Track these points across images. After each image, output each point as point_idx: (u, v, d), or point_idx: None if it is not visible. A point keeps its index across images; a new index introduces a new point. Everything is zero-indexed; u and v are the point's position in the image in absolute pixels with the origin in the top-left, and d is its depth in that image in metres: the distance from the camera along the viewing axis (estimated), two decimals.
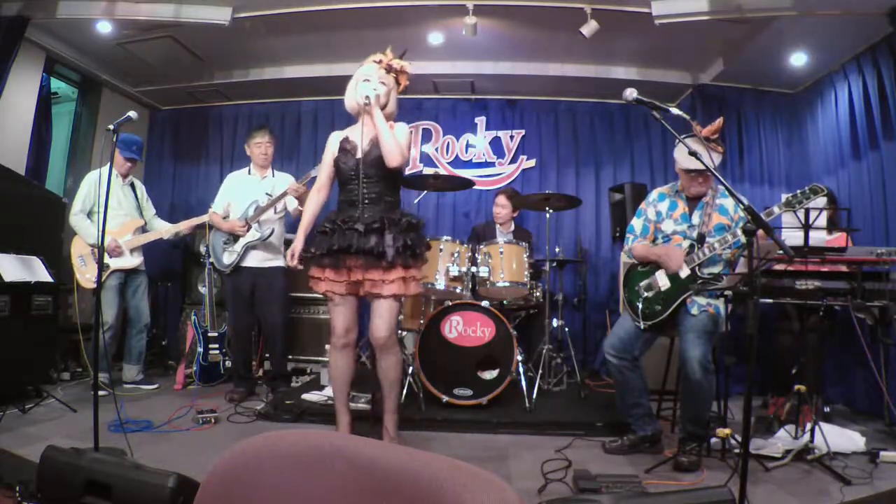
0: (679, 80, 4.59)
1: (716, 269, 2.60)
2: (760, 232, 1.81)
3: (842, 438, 2.63)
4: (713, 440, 2.53)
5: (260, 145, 3.68)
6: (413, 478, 0.64)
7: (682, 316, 2.58)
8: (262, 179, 3.71)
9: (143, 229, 3.87)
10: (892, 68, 3.36)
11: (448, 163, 5.13)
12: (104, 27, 3.86)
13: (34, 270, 3.32)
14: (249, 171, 3.75)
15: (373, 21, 3.83)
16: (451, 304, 3.33)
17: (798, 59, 3.95)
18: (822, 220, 3.00)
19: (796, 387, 2.65)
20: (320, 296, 2.55)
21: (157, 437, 2.73)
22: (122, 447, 2.29)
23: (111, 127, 2.25)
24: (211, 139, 5.39)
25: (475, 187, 4.70)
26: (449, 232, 4.88)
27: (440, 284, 3.33)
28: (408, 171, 4.37)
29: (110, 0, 3.64)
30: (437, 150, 5.14)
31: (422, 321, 3.41)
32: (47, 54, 4.08)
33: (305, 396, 3.37)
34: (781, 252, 1.84)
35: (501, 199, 4.28)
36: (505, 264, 3.41)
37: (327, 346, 4.23)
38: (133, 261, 3.76)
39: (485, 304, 3.34)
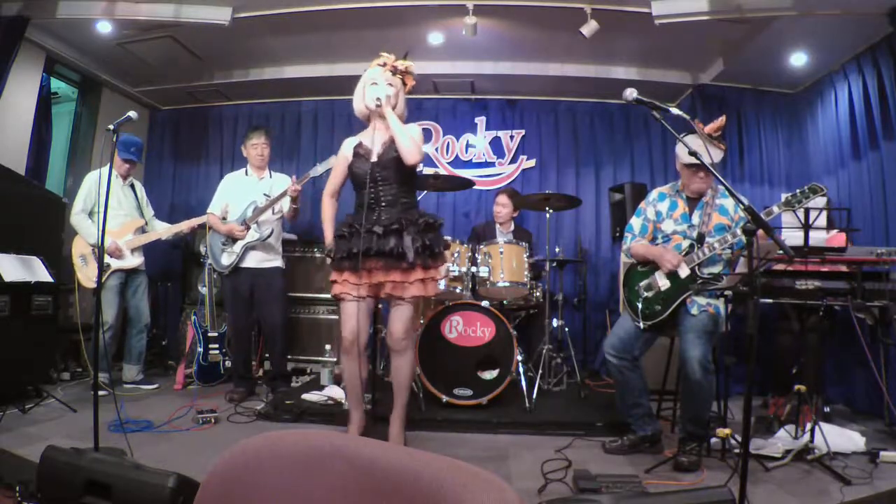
0: (679, 80, 4.59)
1: (715, 269, 2.61)
2: (760, 232, 1.81)
3: (842, 438, 2.63)
4: (713, 440, 2.53)
5: (256, 146, 3.68)
6: (413, 478, 0.64)
7: (682, 316, 2.58)
8: (259, 180, 3.71)
9: (144, 229, 3.87)
10: (892, 68, 3.36)
11: (448, 163, 5.13)
12: (104, 27, 3.86)
13: (34, 270, 3.32)
14: (247, 171, 3.75)
15: (373, 21, 3.83)
16: (451, 304, 3.33)
17: (798, 59, 3.95)
18: (823, 220, 3.00)
19: (796, 387, 2.65)
20: (319, 296, 2.56)
21: (157, 437, 2.73)
22: (122, 447, 2.28)
23: (111, 127, 2.25)
24: (211, 139, 5.39)
25: (475, 187, 4.70)
26: (449, 232, 4.87)
27: (440, 284, 3.33)
28: None
29: (110, 0, 3.64)
30: (437, 150, 5.14)
31: (422, 321, 3.41)
32: (47, 54, 4.08)
33: (305, 396, 3.37)
34: (781, 252, 1.84)
35: (503, 199, 4.28)
36: (505, 264, 3.41)
37: (327, 346, 4.28)
38: (133, 261, 3.76)
39: (485, 304, 3.34)
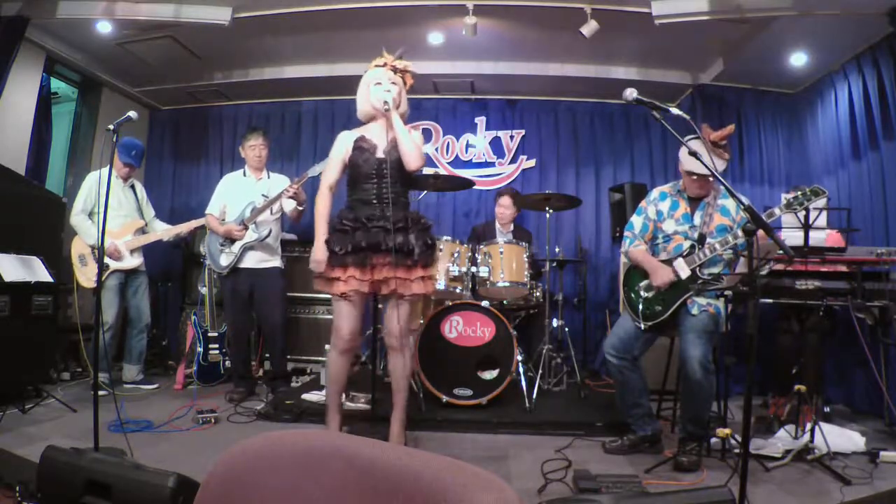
0: (679, 80, 4.59)
1: (716, 270, 2.60)
2: (761, 232, 1.80)
3: (842, 438, 2.63)
4: (713, 440, 2.52)
5: (254, 148, 3.68)
6: (413, 478, 0.64)
7: (683, 316, 2.58)
8: (258, 181, 3.70)
9: (144, 230, 3.87)
10: (892, 68, 3.36)
11: (448, 163, 5.13)
12: (104, 27, 3.86)
13: (34, 270, 3.32)
14: (245, 172, 3.74)
15: (373, 21, 3.83)
16: (451, 304, 3.33)
17: (798, 59, 3.95)
18: (823, 221, 3.00)
19: (796, 387, 2.65)
20: (318, 296, 2.53)
21: (157, 437, 2.73)
22: (122, 447, 2.28)
23: (111, 127, 2.25)
24: (211, 139, 5.39)
25: (475, 187, 4.70)
26: (449, 232, 4.88)
27: (440, 284, 3.33)
28: None
29: (110, 0, 3.64)
30: (437, 150, 5.14)
31: (422, 321, 3.41)
32: (47, 54, 4.08)
33: (305, 396, 3.37)
34: (781, 252, 1.84)
35: (506, 201, 4.26)
36: (505, 264, 3.41)
37: (327, 347, 4.26)
38: (133, 261, 3.76)
39: (485, 304, 3.34)
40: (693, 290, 2.55)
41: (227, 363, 3.92)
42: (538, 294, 3.85)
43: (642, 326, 2.63)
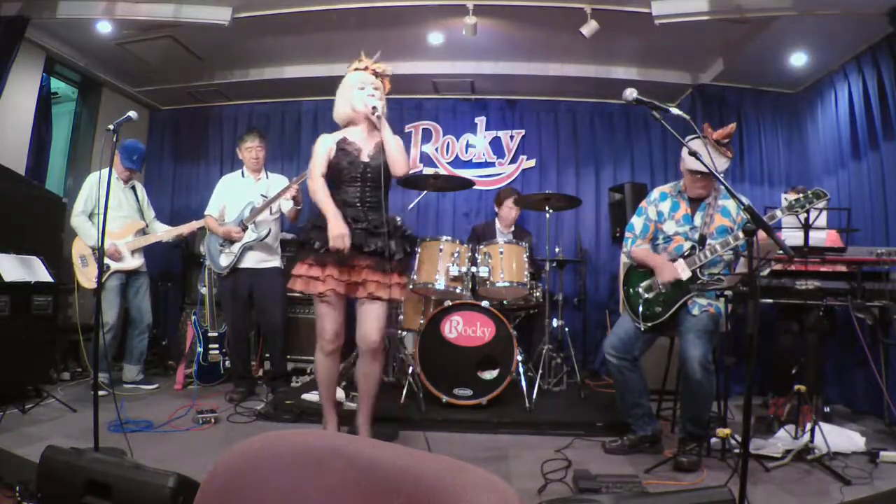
0: (679, 80, 4.59)
1: (716, 270, 2.60)
2: (761, 232, 1.80)
3: (842, 438, 2.63)
4: (713, 440, 2.52)
5: (251, 149, 3.67)
6: (413, 478, 0.64)
7: (683, 316, 2.58)
8: (256, 181, 3.70)
9: (144, 231, 3.87)
10: (892, 68, 3.36)
11: (448, 163, 5.13)
12: (104, 27, 3.86)
13: (34, 270, 3.32)
14: (243, 173, 3.74)
15: (373, 21, 3.83)
16: (451, 304, 3.33)
17: (798, 59, 3.95)
18: (823, 221, 3.00)
19: (796, 387, 2.65)
20: (310, 295, 2.49)
21: (157, 437, 2.73)
22: (122, 447, 2.29)
23: (111, 127, 2.25)
24: (211, 139, 5.39)
25: (475, 187, 4.70)
26: (449, 232, 4.87)
27: (440, 284, 3.33)
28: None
29: (110, 0, 3.64)
30: (437, 150, 5.14)
31: (422, 321, 3.41)
32: (47, 54, 4.08)
33: (305, 396, 3.37)
34: (781, 252, 1.84)
35: (510, 203, 4.24)
36: (505, 264, 3.41)
37: None
38: (134, 262, 3.76)
39: (485, 304, 3.33)
40: (693, 291, 2.55)
41: (227, 363, 3.91)
42: (538, 294, 3.85)
43: (642, 327, 2.63)
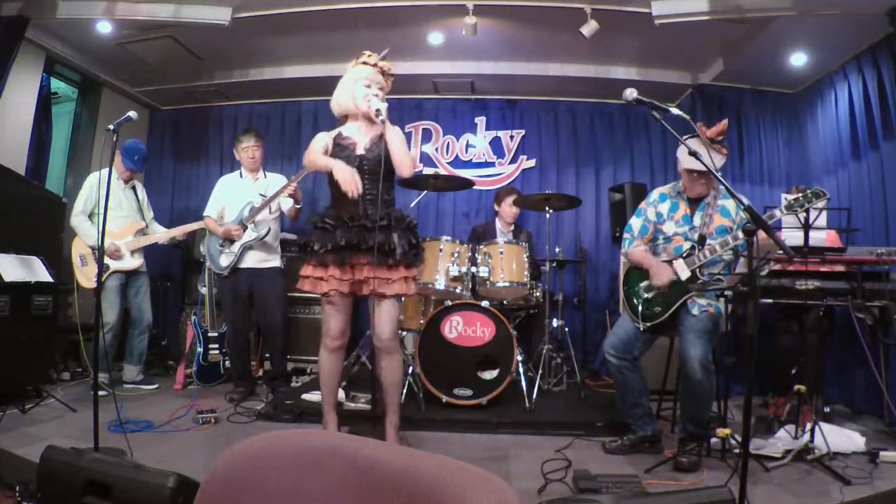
0: (679, 80, 4.59)
1: (716, 270, 2.60)
2: (761, 232, 1.80)
3: (842, 438, 2.63)
4: (713, 440, 2.52)
5: (247, 150, 3.67)
6: (413, 478, 0.64)
7: (683, 316, 2.58)
8: (254, 181, 3.70)
9: (144, 232, 3.87)
10: (892, 68, 3.36)
11: (448, 163, 5.13)
12: (104, 27, 3.86)
13: (34, 270, 3.32)
14: (241, 174, 3.74)
15: (373, 21, 3.83)
16: (451, 304, 3.33)
17: (798, 59, 3.95)
18: (823, 221, 3.00)
19: (796, 387, 2.65)
20: (317, 295, 2.49)
21: (157, 437, 2.73)
22: (122, 447, 2.29)
23: (111, 127, 2.25)
24: (211, 139, 5.39)
25: (475, 187, 4.70)
26: (449, 232, 4.88)
27: (440, 284, 3.33)
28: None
29: (110, 0, 3.64)
30: (437, 150, 5.14)
31: (422, 321, 3.41)
32: (47, 54, 4.08)
33: (305, 396, 3.37)
34: (781, 252, 1.84)
35: (511, 201, 4.24)
36: (505, 264, 3.41)
37: None
38: (134, 262, 3.76)
39: (485, 304, 3.33)
40: (693, 291, 2.55)
41: (227, 363, 3.91)
42: (538, 294, 3.85)
43: (641, 327, 2.63)
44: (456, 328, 3.31)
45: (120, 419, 2.51)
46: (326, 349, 2.50)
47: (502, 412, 3.16)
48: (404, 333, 3.89)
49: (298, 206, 3.44)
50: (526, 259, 3.49)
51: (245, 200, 3.59)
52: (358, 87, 2.45)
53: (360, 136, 2.46)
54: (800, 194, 2.35)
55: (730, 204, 2.63)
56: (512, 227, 4.37)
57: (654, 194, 2.81)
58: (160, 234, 3.89)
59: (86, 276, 3.66)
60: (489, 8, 3.66)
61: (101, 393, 2.40)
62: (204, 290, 3.94)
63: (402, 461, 0.66)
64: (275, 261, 3.70)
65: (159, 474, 1.55)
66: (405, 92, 4.94)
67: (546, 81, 4.76)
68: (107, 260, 3.61)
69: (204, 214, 3.66)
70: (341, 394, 3.27)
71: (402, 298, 2.53)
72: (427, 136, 5.16)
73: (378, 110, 2.34)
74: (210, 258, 3.66)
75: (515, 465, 2.51)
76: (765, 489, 2.19)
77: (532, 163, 5.08)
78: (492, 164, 5.11)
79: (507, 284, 3.40)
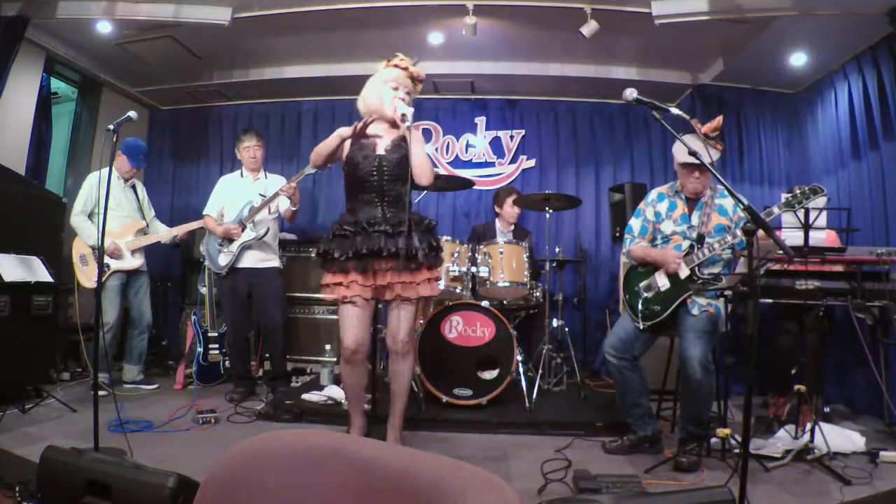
0: (679, 80, 4.59)
1: (715, 270, 2.60)
2: (761, 232, 1.80)
3: (842, 438, 2.63)
4: (713, 440, 2.52)
5: (248, 149, 3.67)
6: (413, 478, 0.64)
7: (683, 316, 2.58)
8: (255, 181, 3.71)
9: (145, 231, 3.87)
10: (892, 68, 3.36)
11: (448, 163, 5.13)
12: (104, 27, 3.86)
13: (34, 270, 3.32)
14: (242, 173, 3.75)
15: (373, 21, 3.83)
16: (451, 304, 3.33)
17: (798, 59, 3.95)
18: (823, 220, 3.00)
19: (796, 387, 2.64)
20: (317, 295, 2.49)
21: (157, 437, 2.73)
22: (122, 447, 2.29)
23: (111, 127, 2.25)
24: (211, 139, 5.39)
25: (475, 187, 4.70)
26: (449, 232, 4.87)
27: (440, 284, 3.33)
28: None
29: (110, 0, 3.64)
30: (437, 150, 5.14)
31: (422, 321, 3.41)
32: (47, 54, 4.08)
33: (305, 396, 3.37)
34: (781, 252, 1.84)
35: (511, 201, 4.23)
36: (505, 264, 3.41)
37: (327, 346, 4.27)
38: (134, 262, 3.76)
39: (485, 304, 3.34)
40: (692, 290, 2.55)
41: (227, 363, 3.92)
42: (538, 294, 3.85)
43: (641, 326, 2.63)
44: (456, 328, 3.31)
45: (120, 419, 2.51)
46: (347, 362, 2.42)
47: (502, 412, 3.16)
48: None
49: (294, 209, 3.45)
50: (526, 259, 3.49)
51: (245, 200, 3.59)
52: (386, 88, 2.45)
53: (382, 137, 2.47)
54: (797, 191, 2.35)
55: (727, 203, 2.63)
56: (512, 228, 4.37)
57: (653, 194, 2.81)
58: (162, 233, 3.89)
59: (87, 276, 3.66)
60: (489, 8, 3.66)
61: (101, 393, 2.40)
62: (204, 290, 3.94)
63: (402, 461, 0.66)
64: (274, 261, 3.71)
65: (159, 474, 1.55)
66: None
67: (546, 81, 4.76)
68: (107, 260, 3.61)
69: (204, 213, 3.67)
70: (341, 393, 3.27)
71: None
72: (427, 136, 5.15)
73: (404, 115, 2.35)
74: (209, 258, 3.66)
75: (515, 465, 2.51)
76: (765, 489, 2.19)
77: (532, 163, 5.08)
78: (492, 164, 5.11)
79: (507, 284, 3.40)
